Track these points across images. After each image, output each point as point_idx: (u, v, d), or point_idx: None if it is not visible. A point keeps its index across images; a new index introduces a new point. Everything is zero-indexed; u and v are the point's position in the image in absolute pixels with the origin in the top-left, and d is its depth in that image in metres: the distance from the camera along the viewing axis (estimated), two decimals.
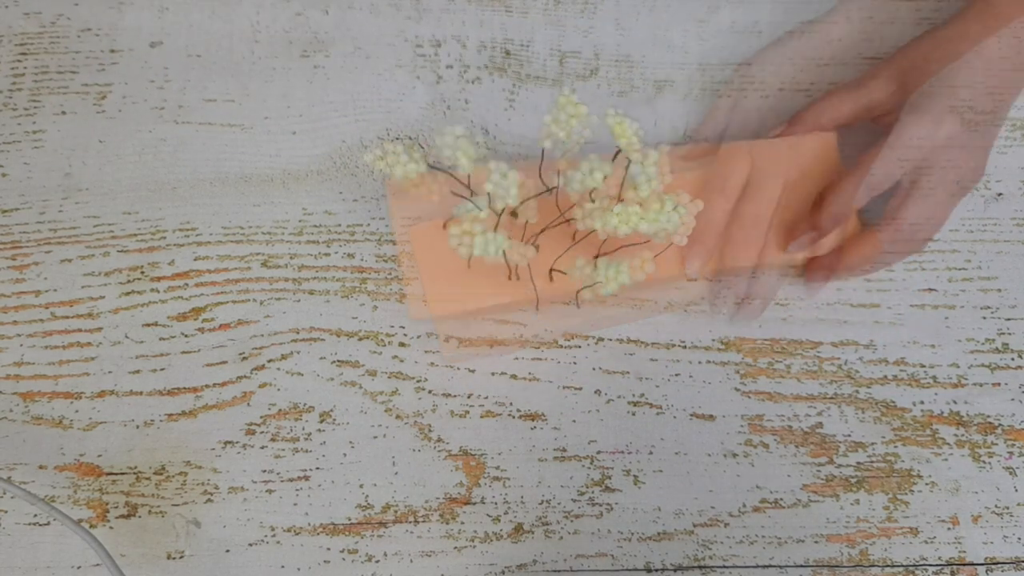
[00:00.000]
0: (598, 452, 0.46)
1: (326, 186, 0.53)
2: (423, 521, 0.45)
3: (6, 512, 0.45)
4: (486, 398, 0.48)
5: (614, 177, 0.42)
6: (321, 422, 0.47)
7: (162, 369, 0.48)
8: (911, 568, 0.44)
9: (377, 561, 0.44)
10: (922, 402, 0.48)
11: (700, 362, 0.49)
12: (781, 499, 0.45)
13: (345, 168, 0.54)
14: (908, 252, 0.49)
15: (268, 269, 0.51)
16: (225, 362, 0.48)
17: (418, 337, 0.49)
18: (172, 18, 0.59)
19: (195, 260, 0.51)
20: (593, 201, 0.43)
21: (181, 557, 0.44)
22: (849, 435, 0.47)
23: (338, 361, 0.48)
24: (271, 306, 0.50)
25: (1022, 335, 0.50)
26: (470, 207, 0.41)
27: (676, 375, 0.48)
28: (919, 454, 0.47)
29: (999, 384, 0.48)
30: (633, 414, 0.47)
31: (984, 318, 0.50)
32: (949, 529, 0.45)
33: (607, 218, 0.42)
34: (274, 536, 0.44)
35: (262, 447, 0.46)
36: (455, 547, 0.44)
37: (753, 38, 0.58)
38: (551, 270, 0.46)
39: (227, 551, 0.44)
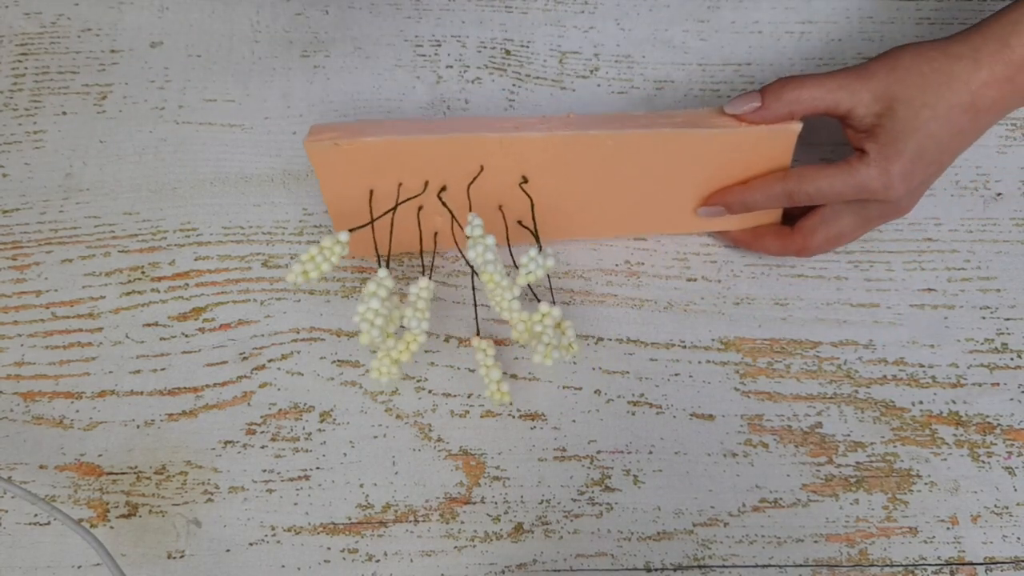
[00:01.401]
0: (598, 452, 0.47)
1: None
2: (423, 521, 0.45)
3: (6, 512, 0.45)
4: (486, 398, 0.48)
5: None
6: (321, 422, 0.47)
7: (162, 369, 0.48)
8: (910, 568, 0.44)
9: (377, 561, 0.44)
10: (921, 402, 0.48)
11: (700, 362, 0.49)
12: (781, 499, 0.46)
13: None
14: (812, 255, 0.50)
15: (268, 269, 0.51)
16: (225, 362, 0.49)
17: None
18: (172, 18, 0.59)
19: (196, 260, 0.51)
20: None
21: (181, 557, 0.44)
22: (848, 435, 0.47)
23: (338, 361, 0.49)
24: (271, 306, 0.50)
25: (1021, 335, 0.50)
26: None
27: (676, 375, 0.48)
28: (918, 454, 0.47)
29: (998, 384, 0.48)
30: (633, 414, 0.47)
31: (983, 318, 0.50)
32: (948, 529, 0.45)
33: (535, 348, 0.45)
34: (274, 536, 0.44)
35: (262, 447, 0.46)
36: (455, 547, 0.44)
37: (753, 37, 0.58)
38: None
39: (227, 551, 0.44)
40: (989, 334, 0.50)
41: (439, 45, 0.58)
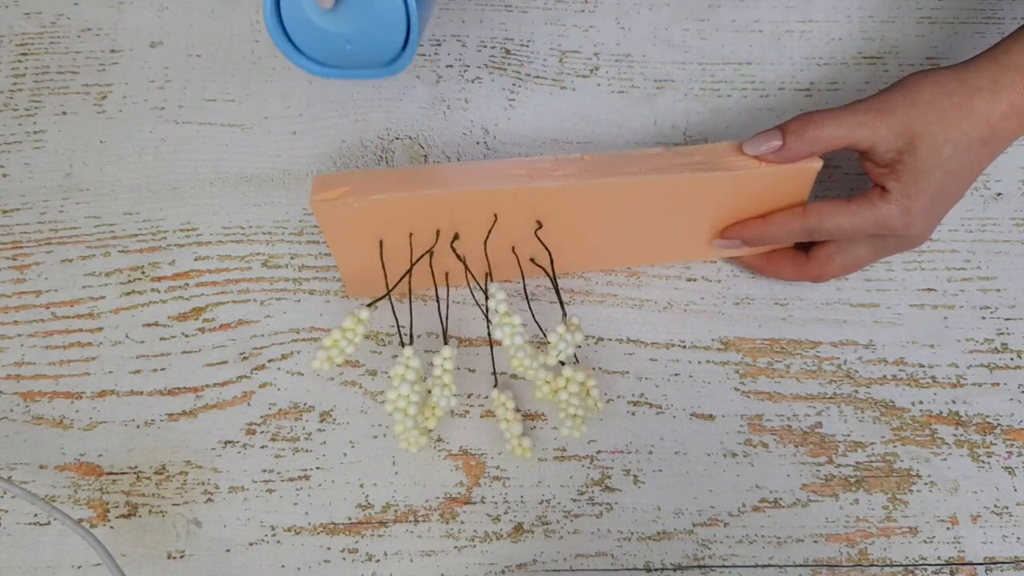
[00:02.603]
0: (598, 452, 0.47)
1: None
2: (423, 521, 0.45)
3: (7, 512, 0.45)
4: (486, 398, 0.48)
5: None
6: (321, 422, 0.47)
7: (162, 369, 0.48)
8: (910, 568, 0.44)
9: (377, 561, 0.44)
10: (921, 402, 0.48)
11: (700, 362, 0.49)
12: (780, 499, 0.46)
13: (345, 168, 0.54)
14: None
15: (268, 269, 0.51)
16: (225, 362, 0.49)
17: (419, 337, 0.49)
18: (172, 18, 0.59)
19: (195, 260, 0.51)
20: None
21: (181, 557, 0.44)
22: (848, 435, 0.47)
23: None
24: (271, 306, 0.50)
25: (1021, 335, 0.50)
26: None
27: (676, 375, 0.48)
28: (918, 454, 0.47)
29: (998, 384, 0.48)
30: (633, 414, 0.47)
31: (983, 318, 0.50)
32: (948, 529, 0.45)
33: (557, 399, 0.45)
34: (274, 536, 0.45)
35: (262, 447, 0.46)
36: (455, 547, 0.44)
37: (754, 36, 0.58)
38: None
39: (227, 551, 0.44)
40: (989, 334, 0.50)
41: (439, 44, 0.57)
